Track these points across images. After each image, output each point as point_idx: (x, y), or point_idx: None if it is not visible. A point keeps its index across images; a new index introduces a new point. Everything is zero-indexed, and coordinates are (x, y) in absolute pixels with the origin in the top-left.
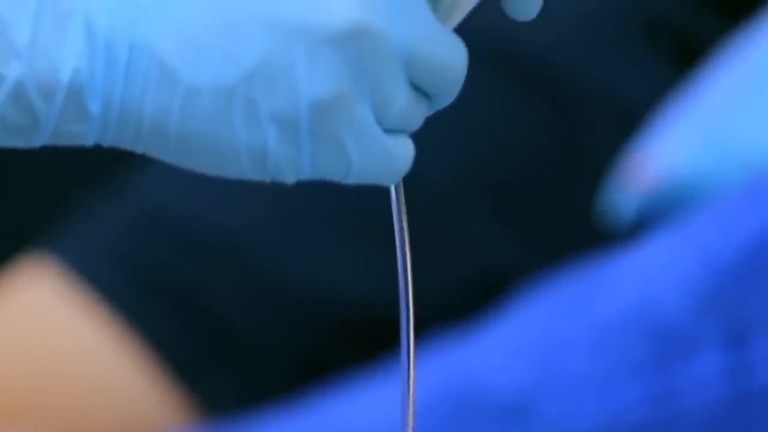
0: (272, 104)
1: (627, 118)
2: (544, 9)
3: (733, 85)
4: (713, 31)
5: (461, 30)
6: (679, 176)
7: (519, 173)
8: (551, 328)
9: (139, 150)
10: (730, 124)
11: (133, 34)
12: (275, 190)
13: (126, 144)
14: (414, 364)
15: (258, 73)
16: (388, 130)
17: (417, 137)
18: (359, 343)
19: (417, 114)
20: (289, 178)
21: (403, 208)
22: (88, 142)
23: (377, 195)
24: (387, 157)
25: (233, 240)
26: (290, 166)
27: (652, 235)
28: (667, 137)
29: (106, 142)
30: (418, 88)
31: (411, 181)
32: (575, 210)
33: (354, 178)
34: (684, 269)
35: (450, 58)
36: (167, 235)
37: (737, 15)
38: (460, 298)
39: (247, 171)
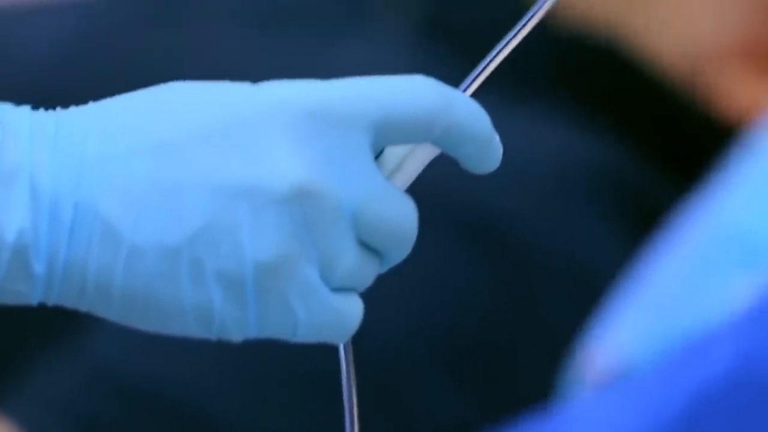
0: (217, 264)
1: (582, 280)
2: (502, 166)
3: (680, 270)
4: (666, 192)
5: (415, 189)
6: (630, 367)
7: (475, 334)
8: None
9: (83, 308)
10: (679, 315)
11: (77, 193)
12: (224, 346)
13: (70, 303)
14: None
15: (202, 233)
16: (337, 289)
17: (370, 294)
18: None
19: (367, 272)
20: (236, 336)
21: (352, 368)
22: (32, 301)
23: (327, 351)
24: (335, 316)
25: (183, 395)
26: (236, 325)
27: (597, 393)
28: (618, 327)
29: (50, 301)
30: (368, 246)
31: (362, 340)
32: (531, 372)
33: (302, 337)
34: (628, 426)
35: (399, 217)
36: (117, 393)
37: (689, 176)
38: None
39: (193, 329)
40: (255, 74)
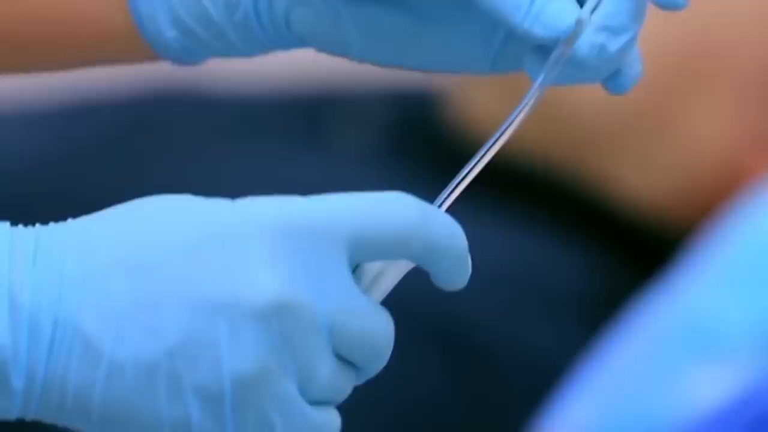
0: (195, 378)
1: (542, 377)
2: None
3: (639, 358)
4: (623, 291)
5: (388, 301)
6: None
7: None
8: None
9: (62, 423)
10: (636, 402)
11: (56, 309)
12: None
13: (49, 417)
14: None
15: (181, 348)
16: (314, 402)
17: (345, 403)
18: None
19: (344, 384)
20: None
21: None
22: (11, 416)
23: None
24: (313, 430)
25: None
26: None
27: None
28: (574, 413)
29: (29, 416)
30: (344, 359)
31: None
32: None
33: None
34: None
35: (375, 331)
36: None
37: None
38: None
39: None
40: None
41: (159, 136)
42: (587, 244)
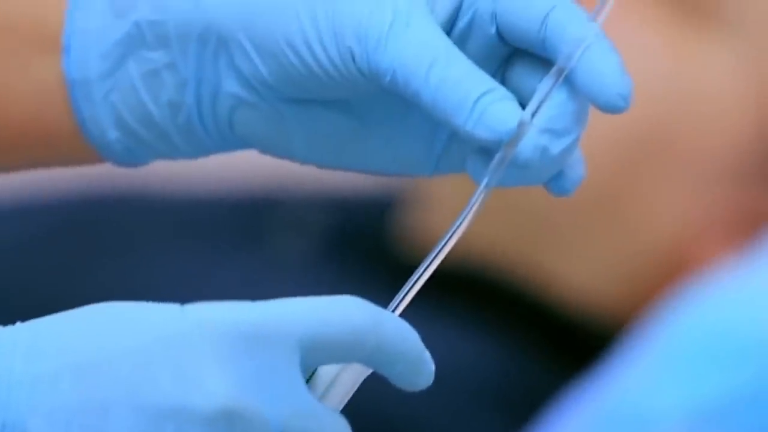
0: None
1: None
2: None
3: None
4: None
5: (347, 408)
6: None
7: None
8: None
9: None
10: None
11: (4, 414)
12: None
13: None
14: None
15: None
16: None
17: None
18: None
19: None
20: None
21: None
22: None
23: None
24: None
25: None
26: None
27: None
28: None
29: None
30: None
31: None
32: None
33: None
34: None
35: None
36: None
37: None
38: None
39: None
40: (166, 287)
41: (100, 237)
42: (533, 345)
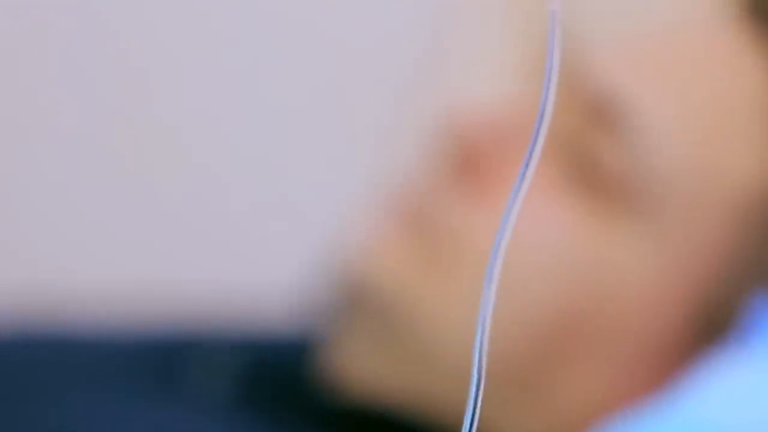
0: None
1: None
2: None
3: None
4: None
5: None
6: None
7: None
8: None
9: None
10: None
11: None
12: None
13: None
14: None
15: None
16: None
17: None
18: None
19: None
20: None
21: None
22: None
23: None
24: None
25: None
26: None
27: None
28: None
29: None
30: None
31: None
32: None
33: None
34: None
35: None
36: None
37: None
38: None
39: None
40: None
41: (10, 380)
42: None
